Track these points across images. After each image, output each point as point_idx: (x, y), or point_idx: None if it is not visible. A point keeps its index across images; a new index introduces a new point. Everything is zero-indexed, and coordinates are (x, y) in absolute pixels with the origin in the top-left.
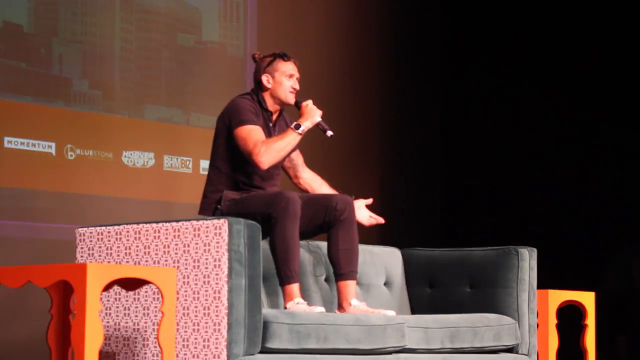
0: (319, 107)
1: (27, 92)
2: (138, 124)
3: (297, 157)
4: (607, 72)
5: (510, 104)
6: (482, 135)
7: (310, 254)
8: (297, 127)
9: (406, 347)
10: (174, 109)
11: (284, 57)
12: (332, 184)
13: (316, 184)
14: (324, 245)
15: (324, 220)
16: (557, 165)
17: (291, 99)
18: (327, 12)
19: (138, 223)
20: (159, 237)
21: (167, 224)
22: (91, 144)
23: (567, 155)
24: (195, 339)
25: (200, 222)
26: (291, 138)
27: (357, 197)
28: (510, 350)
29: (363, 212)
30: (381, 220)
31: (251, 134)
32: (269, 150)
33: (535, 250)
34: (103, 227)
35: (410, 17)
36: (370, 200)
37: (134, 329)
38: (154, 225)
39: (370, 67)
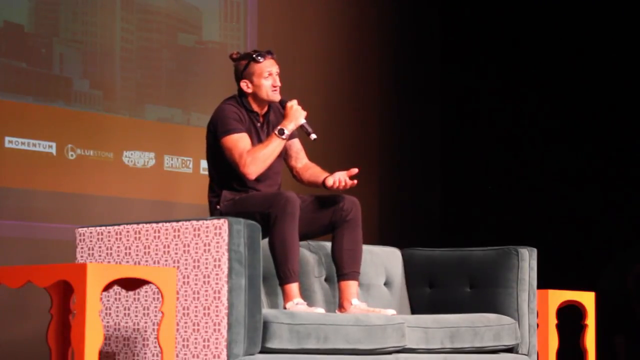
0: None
1: (27, 92)
2: (138, 123)
3: (292, 147)
4: (608, 73)
5: (510, 104)
6: (482, 135)
7: (311, 254)
8: (281, 132)
9: (406, 347)
10: (174, 109)
11: (257, 58)
12: None
13: (306, 172)
14: (325, 245)
15: (330, 220)
16: (557, 166)
17: (275, 97)
18: (327, 12)
19: (138, 223)
20: (159, 237)
21: (167, 224)
22: (92, 144)
23: (567, 155)
24: (195, 339)
25: (200, 222)
26: (276, 144)
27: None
28: (510, 350)
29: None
30: (350, 183)
31: (236, 144)
32: (254, 161)
33: (535, 250)
34: (103, 227)
35: (410, 17)
36: (354, 171)
37: (134, 329)
38: (154, 225)
39: (370, 67)
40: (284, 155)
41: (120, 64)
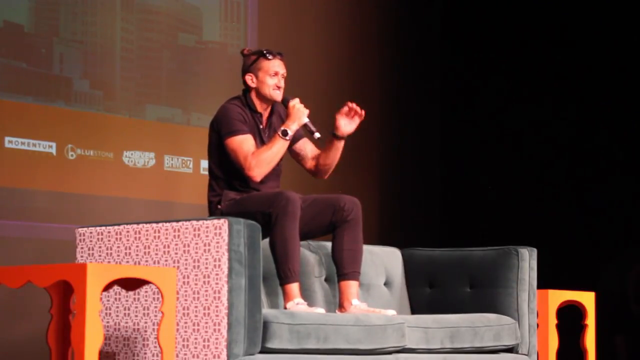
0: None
1: (27, 92)
2: (139, 123)
3: (304, 147)
4: (607, 74)
5: (510, 104)
6: (482, 135)
7: (312, 254)
8: (284, 133)
9: (406, 347)
10: (174, 109)
11: (267, 55)
12: (332, 184)
13: (317, 158)
14: (325, 245)
15: (330, 220)
16: (557, 166)
17: (277, 96)
18: (328, 12)
19: (138, 223)
20: (159, 237)
21: (167, 224)
22: (92, 143)
23: (567, 155)
24: (195, 339)
25: (200, 222)
26: (279, 146)
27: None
28: (510, 350)
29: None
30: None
31: (241, 146)
32: (259, 163)
33: (535, 250)
34: (103, 227)
35: (410, 17)
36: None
37: (134, 329)
38: (154, 225)
39: (370, 66)
40: (299, 160)
41: (120, 64)
